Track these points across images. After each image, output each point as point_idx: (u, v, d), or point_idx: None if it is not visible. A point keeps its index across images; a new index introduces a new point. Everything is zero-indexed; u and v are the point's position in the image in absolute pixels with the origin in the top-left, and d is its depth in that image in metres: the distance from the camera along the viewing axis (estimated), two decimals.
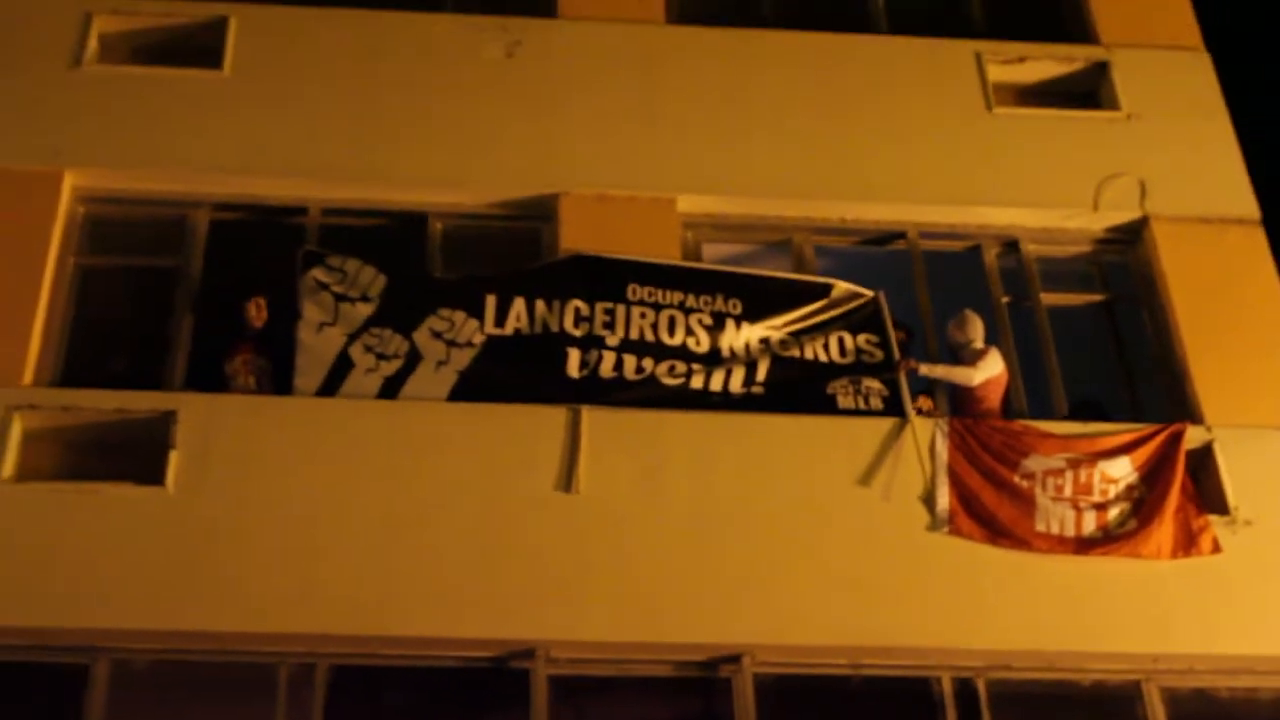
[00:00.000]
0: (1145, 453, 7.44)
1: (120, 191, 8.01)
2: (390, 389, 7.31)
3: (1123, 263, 8.51)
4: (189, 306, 7.71)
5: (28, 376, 7.27)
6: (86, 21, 8.37)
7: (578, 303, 7.68)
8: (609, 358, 7.53)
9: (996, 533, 7.16)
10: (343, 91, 8.37)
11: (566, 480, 7.06)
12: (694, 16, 9.10)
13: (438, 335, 7.54)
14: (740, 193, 8.30)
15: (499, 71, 8.53)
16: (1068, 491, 7.33)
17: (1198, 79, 8.91)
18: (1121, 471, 7.40)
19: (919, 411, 7.54)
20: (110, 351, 7.80)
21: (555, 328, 7.62)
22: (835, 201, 8.35)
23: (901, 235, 8.42)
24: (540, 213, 8.16)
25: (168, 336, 7.62)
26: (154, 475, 6.87)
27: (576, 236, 7.95)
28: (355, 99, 8.35)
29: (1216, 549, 7.19)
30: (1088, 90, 8.94)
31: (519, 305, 7.68)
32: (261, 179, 8.06)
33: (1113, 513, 7.31)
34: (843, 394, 7.60)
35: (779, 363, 7.68)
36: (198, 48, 8.41)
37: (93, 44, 8.37)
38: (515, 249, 8.13)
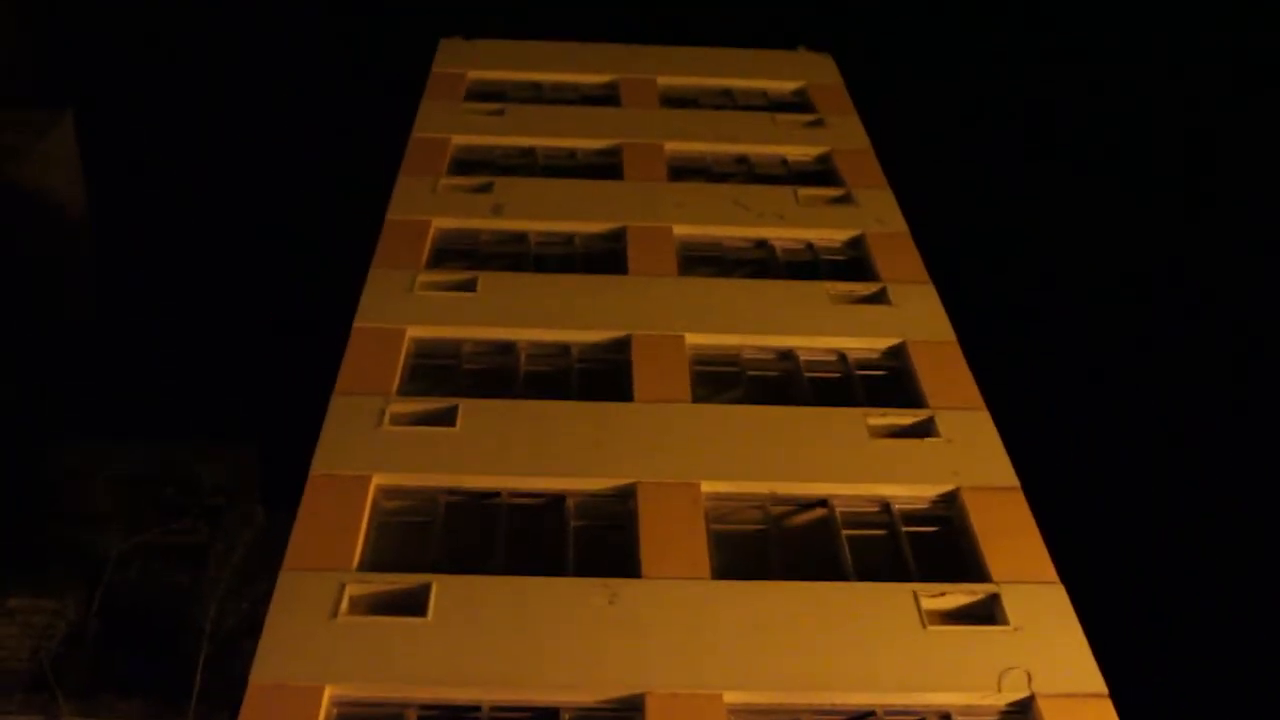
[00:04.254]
0: None
1: (362, 698, 12.13)
2: None
3: None
4: None
5: None
6: (341, 589, 13.00)
7: None
8: None
9: None
10: (501, 631, 12.71)
11: None
12: (729, 574, 13.57)
13: None
14: (765, 689, 12.26)
15: (604, 612, 12.93)
16: None
17: (1057, 602, 13.18)
18: None
19: None
20: None
21: None
22: (826, 692, 12.27)
23: (872, 713, 12.23)
24: (633, 705, 12.07)
25: None
26: None
27: None
28: (510, 635, 12.67)
29: None
30: (988, 613, 13.09)
31: None
32: (450, 688, 12.17)
33: None
34: None
35: None
36: (410, 604, 12.90)
37: (344, 604, 12.85)
38: None
